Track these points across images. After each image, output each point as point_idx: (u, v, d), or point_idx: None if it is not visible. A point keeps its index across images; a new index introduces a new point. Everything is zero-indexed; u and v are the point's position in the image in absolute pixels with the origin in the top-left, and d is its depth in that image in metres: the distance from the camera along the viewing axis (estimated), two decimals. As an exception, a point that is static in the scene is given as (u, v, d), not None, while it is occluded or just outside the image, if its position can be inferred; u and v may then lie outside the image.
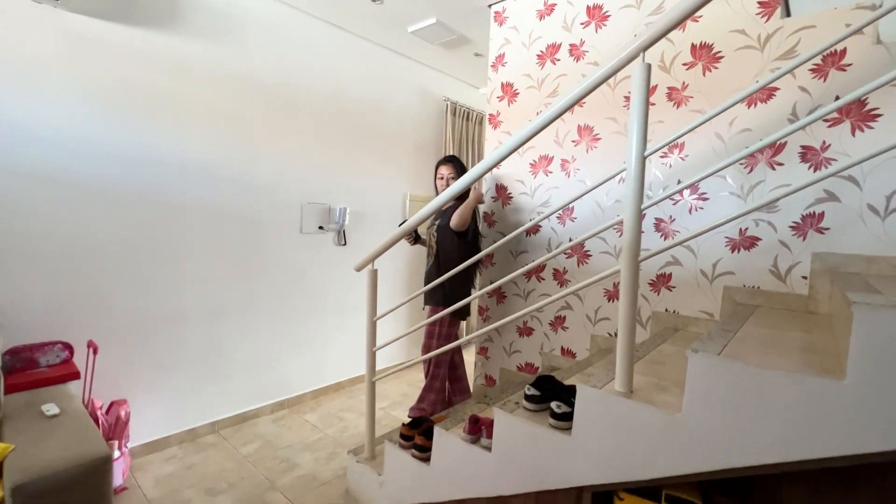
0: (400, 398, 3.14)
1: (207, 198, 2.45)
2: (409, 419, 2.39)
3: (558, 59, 2.34)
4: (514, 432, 1.38)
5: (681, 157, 1.94)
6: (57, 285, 1.98)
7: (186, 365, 2.43)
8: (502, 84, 2.58)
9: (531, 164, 2.45)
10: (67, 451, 1.28)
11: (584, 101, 1.41)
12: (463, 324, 2.71)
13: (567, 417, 1.29)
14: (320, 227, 3.03)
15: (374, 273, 1.95)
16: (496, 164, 1.51)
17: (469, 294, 2.49)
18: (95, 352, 1.95)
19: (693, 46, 1.89)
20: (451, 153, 3.84)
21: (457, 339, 2.54)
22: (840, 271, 1.56)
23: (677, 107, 1.96)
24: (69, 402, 1.61)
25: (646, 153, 1.12)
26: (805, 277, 1.67)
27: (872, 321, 0.81)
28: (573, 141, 2.29)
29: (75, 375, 1.83)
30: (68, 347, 1.92)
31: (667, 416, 1.07)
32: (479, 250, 2.46)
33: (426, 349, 2.46)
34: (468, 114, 4.04)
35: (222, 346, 2.58)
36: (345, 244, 3.18)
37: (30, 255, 1.91)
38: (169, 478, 2.12)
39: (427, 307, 2.57)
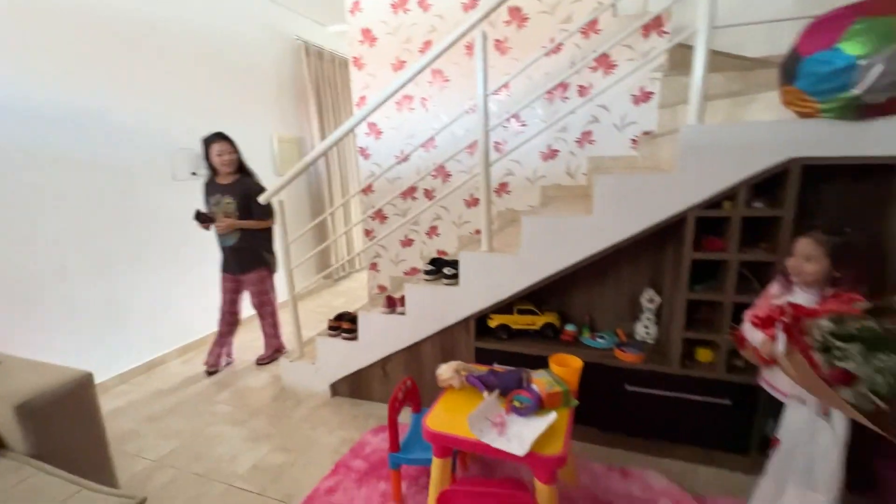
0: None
1: (74, 148, 2.31)
2: (264, 360, 2.80)
3: (409, 10, 2.76)
4: (422, 295, 2.00)
5: (507, 95, 2.64)
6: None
7: (81, 321, 2.39)
8: (362, 29, 2.89)
9: (396, 103, 2.90)
10: (44, 378, 1.42)
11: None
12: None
13: (455, 277, 1.95)
14: (193, 174, 3.02)
15: (282, 203, 2.27)
16: (369, 115, 1.99)
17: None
18: (-11, 315, 1.87)
19: (510, 9, 2.53)
20: (313, 94, 4.00)
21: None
22: (601, 167, 2.49)
23: (502, 55, 2.61)
24: (-7, 357, 1.63)
25: (487, 92, 1.73)
26: (585, 174, 2.59)
27: (601, 185, 1.59)
28: (428, 82, 2.80)
29: (-23, 339, 1.78)
30: (-51, 317, 1.81)
31: (513, 257, 1.79)
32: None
33: (269, 303, 2.76)
34: (321, 53, 4.16)
35: (116, 298, 2.56)
36: (221, 189, 3.22)
37: None
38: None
39: (253, 273, 2.66)
